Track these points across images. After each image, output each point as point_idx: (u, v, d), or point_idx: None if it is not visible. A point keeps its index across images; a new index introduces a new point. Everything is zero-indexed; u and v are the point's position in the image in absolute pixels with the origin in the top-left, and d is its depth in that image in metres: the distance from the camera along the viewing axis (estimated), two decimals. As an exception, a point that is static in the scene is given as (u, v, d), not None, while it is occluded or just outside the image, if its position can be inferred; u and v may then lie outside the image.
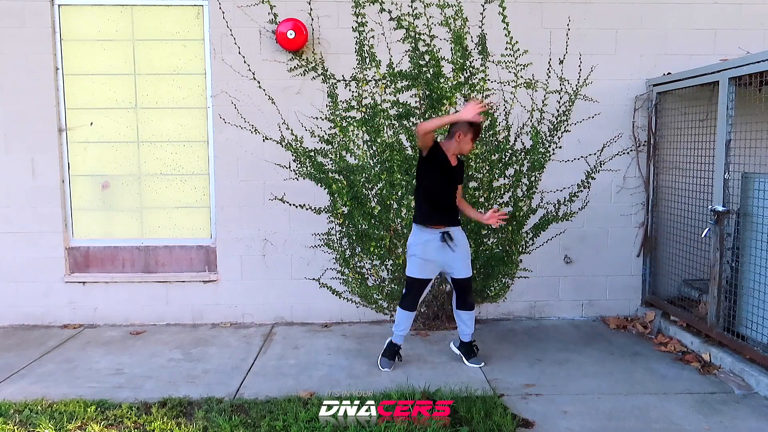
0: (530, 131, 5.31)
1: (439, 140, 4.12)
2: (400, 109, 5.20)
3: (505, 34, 5.19)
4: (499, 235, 5.37)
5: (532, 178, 5.35)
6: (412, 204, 5.22)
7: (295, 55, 5.20)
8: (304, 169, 5.27)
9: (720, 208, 4.27)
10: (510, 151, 5.31)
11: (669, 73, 5.17)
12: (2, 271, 5.36)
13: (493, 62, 5.24)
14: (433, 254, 4.14)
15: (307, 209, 5.31)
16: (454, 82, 5.18)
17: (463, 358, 4.40)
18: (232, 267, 5.40)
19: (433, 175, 4.09)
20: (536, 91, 5.30)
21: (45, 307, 5.39)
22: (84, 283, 5.40)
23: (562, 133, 5.35)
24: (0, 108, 5.22)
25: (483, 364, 4.34)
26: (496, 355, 4.58)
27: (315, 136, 5.25)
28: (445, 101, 5.16)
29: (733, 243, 4.38)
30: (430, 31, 5.16)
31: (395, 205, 5.26)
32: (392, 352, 4.34)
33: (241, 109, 5.23)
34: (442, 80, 5.17)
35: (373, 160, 5.23)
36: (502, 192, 5.33)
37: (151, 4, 5.24)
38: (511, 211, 5.30)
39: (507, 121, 5.29)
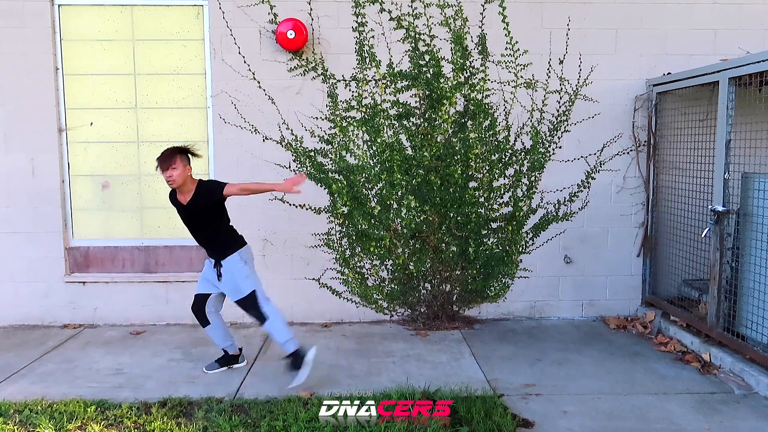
0: (530, 131, 5.31)
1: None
2: (400, 109, 5.20)
3: (505, 34, 5.20)
4: (499, 235, 5.37)
5: (532, 178, 5.35)
6: (412, 204, 5.23)
7: (295, 55, 5.20)
8: (304, 169, 5.27)
9: (720, 208, 4.27)
10: (510, 151, 5.31)
11: (669, 73, 5.17)
12: (2, 271, 5.36)
13: (493, 62, 5.24)
14: (208, 273, 4.15)
15: (307, 209, 5.31)
16: (454, 82, 5.18)
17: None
18: (232, 267, 5.39)
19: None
20: (536, 91, 5.30)
21: (45, 307, 5.39)
22: (84, 283, 5.40)
23: (562, 133, 5.35)
24: (0, 108, 5.22)
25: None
26: (496, 355, 4.58)
27: (315, 136, 5.25)
28: (445, 101, 5.16)
29: (733, 243, 4.38)
30: (430, 31, 5.16)
31: (395, 205, 5.26)
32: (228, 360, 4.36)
33: (241, 109, 5.23)
34: (442, 80, 5.17)
35: (373, 160, 5.23)
36: (502, 192, 5.33)
37: (151, 4, 5.24)
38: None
39: (507, 121, 5.28)
